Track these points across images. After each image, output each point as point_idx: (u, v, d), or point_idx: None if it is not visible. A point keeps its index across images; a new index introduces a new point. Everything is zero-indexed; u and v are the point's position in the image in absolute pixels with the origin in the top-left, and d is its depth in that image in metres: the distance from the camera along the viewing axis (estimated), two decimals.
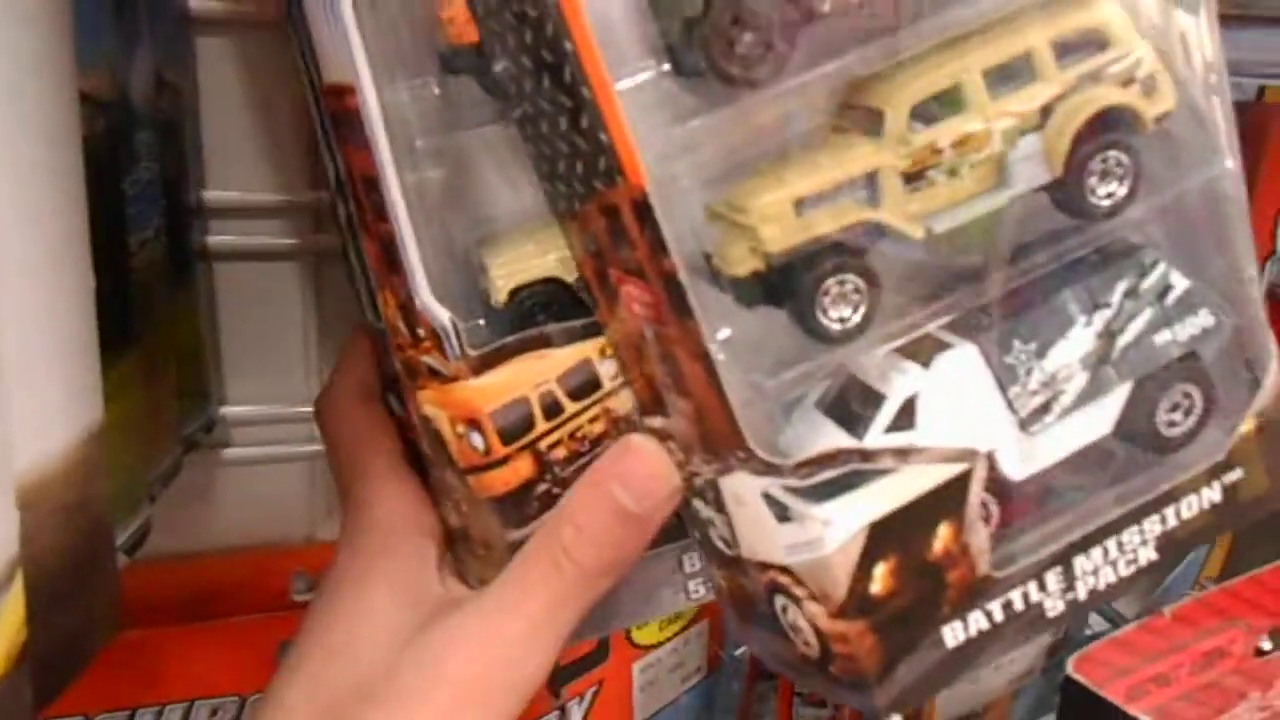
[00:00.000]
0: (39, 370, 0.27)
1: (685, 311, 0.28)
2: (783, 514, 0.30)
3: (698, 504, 0.32)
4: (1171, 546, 0.32)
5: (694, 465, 0.32)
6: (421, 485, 0.36)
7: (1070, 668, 0.53)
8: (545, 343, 0.32)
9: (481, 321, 0.32)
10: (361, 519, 0.36)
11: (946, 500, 0.30)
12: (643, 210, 0.28)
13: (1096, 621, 0.68)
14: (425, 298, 0.31)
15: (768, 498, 0.30)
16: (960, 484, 0.30)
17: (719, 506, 0.31)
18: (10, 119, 0.26)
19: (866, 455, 0.29)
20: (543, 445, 0.33)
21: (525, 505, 0.33)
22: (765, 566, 0.31)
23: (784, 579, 0.31)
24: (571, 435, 0.33)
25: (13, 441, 0.26)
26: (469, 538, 0.35)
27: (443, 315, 0.31)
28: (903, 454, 0.29)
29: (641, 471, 0.32)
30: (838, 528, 0.29)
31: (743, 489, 0.30)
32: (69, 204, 0.29)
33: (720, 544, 0.32)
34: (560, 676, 0.53)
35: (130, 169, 0.37)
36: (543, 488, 0.33)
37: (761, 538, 0.30)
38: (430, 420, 0.33)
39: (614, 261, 0.30)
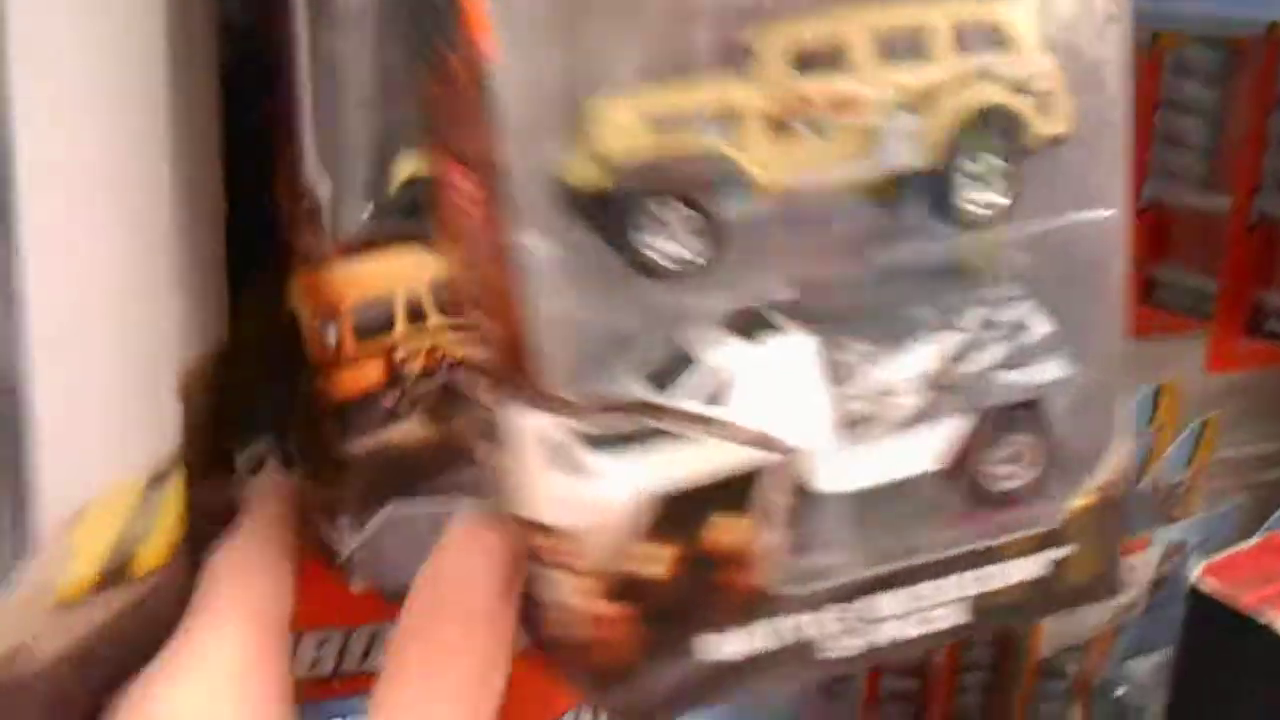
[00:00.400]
0: (184, 279, 0.28)
1: (505, 208, 0.25)
2: (557, 458, 0.26)
3: (482, 446, 0.29)
4: (980, 614, 0.29)
5: (486, 400, 0.28)
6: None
7: (1196, 578, 0.51)
8: (423, 242, 0.29)
9: (370, 209, 0.31)
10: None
11: (745, 491, 0.27)
12: (483, 82, 0.25)
13: None
14: (310, 166, 0.29)
15: (543, 439, 0.26)
16: (763, 476, 0.26)
17: (496, 448, 0.28)
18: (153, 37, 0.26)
19: (668, 414, 0.26)
20: (398, 353, 0.30)
21: (368, 415, 0.31)
22: (528, 525, 0.27)
23: (546, 541, 0.27)
24: (431, 350, 0.31)
25: (173, 337, 0.27)
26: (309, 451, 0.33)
27: (324, 186, 0.29)
28: (707, 423, 0.26)
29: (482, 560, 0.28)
30: (620, 487, 0.26)
31: (521, 424, 0.27)
32: (208, 121, 0.30)
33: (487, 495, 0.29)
34: None
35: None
36: (389, 400, 0.31)
37: (529, 488, 0.27)
38: (296, 316, 0.32)
39: (446, 142, 0.27)
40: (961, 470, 0.29)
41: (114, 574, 0.26)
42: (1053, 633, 0.70)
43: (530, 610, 0.28)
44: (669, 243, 0.26)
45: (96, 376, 0.26)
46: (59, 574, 0.25)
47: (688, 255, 0.26)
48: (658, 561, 0.27)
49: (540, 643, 0.28)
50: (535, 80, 0.26)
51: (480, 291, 0.28)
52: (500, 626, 0.28)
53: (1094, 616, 0.70)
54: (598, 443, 0.26)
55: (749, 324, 0.28)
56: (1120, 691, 0.75)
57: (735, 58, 0.26)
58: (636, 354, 0.27)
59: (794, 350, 0.27)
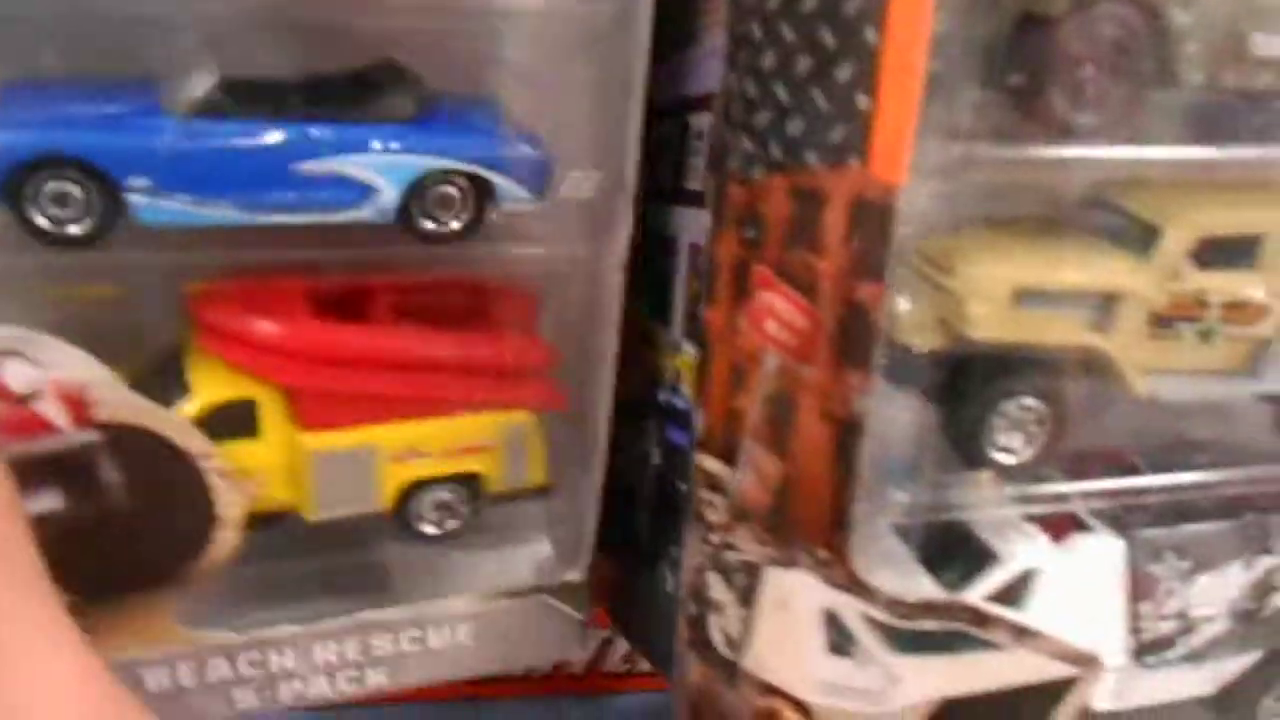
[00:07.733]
0: None
1: (854, 358, 0.22)
2: (841, 645, 0.23)
3: (714, 579, 0.26)
4: None
5: (735, 536, 0.25)
6: None
7: None
8: None
9: None
10: None
11: (1041, 702, 0.24)
12: (873, 213, 0.21)
13: None
14: None
15: (830, 618, 0.23)
16: (1062, 691, 0.24)
17: (744, 598, 0.25)
18: None
19: (982, 620, 0.23)
20: None
21: None
22: (773, 691, 0.24)
23: (792, 715, 0.24)
24: None
25: None
26: None
27: None
28: (1021, 634, 0.23)
29: None
30: (908, 689, 0.23)
31: (798, 593, 0.23)
32: None
33: (718, 637, 0.26)
34: None
35: None
36: None
37: (791, 658, 0.24)
38: None
39: (771, 259, 0.23)
40: (1236, 702, 0.26)
41: None
42: None
43: None
44: (1006, 434, 0.23)
45: None
46: None
47: (1022, 449, 0.23)
48: None
49: None
50: (922, 213, 0.22)
51: (772, 427, 0.24)
52: None
53: None
54: (899, 640, 0.23)
55: (1054, 523, 0.24)
56: None
57: (1133, 234, 0.23)
58: (916, 542, 0.24)
59: (1102, 557, 0.24)
